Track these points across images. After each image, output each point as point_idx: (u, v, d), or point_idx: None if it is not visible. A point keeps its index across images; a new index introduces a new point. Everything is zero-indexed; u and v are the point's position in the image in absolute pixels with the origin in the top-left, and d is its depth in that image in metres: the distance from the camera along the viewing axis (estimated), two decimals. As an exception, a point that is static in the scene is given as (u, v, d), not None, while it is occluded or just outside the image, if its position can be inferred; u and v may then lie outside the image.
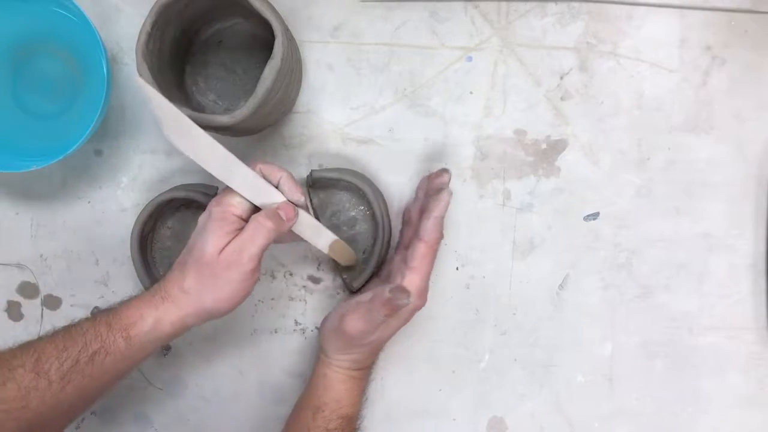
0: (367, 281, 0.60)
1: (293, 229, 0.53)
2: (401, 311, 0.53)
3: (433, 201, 0.54)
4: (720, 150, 0.62)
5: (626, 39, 0.62)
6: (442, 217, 0.54)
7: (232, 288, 0.50)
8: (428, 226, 0.53)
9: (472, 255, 0.63)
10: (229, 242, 0.50)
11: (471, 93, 0.63)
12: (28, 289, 0.64)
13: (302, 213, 0.53)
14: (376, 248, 0.60)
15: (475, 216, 0.63)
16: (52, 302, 0.64)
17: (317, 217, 0.61)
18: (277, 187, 0.52)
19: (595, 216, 0.63)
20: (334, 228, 0.62)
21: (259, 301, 0.64)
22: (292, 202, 0.52)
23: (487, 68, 0.63)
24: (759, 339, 0.63)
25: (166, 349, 0.63)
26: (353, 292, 0.61)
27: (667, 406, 0.63)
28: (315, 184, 0.61)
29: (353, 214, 0.62)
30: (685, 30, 0.62)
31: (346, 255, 0.58)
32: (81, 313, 0.63)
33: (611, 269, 0.63)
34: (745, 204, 0.63)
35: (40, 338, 0.50)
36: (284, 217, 0.52)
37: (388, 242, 0.61)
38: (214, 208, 0.51)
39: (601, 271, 0.63)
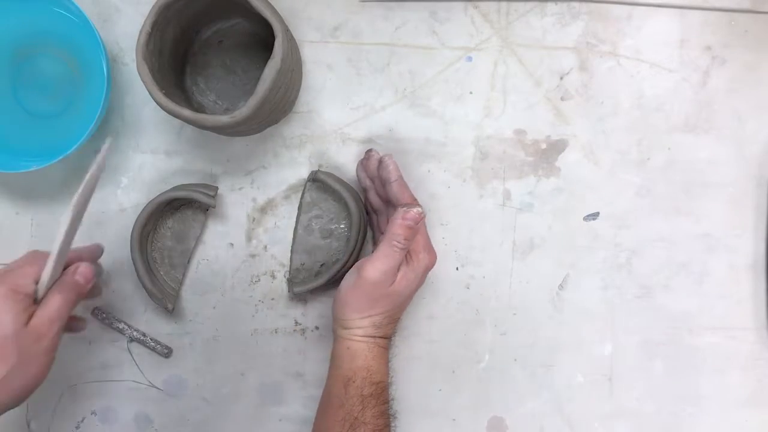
0: (311, 293, 0.61)
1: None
2: (415, 264, 0.55)
3: (383, 172, 0.57)
4: (720, 150, 0.62)
5: (626, 39, 0.62)
6: (401, 178, 0.57)
7: (43, 361, 0.48)
8: (395, 191, 0.56)
9: (472, 255, 0.63)
10: (33, 314, 0.48)
11: (471, 93, 0.63)
12: (28, 289, 0.64)
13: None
14: (333, 267, 0.59)
15: (475, 216, 0.63)
16: (52, 302, 0.64)
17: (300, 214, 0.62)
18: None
19: (595, 216, 0.63)
20: (308, 229, 0.62)
21: (259, 301, 0.64)
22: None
23: (487, 68, 0.63)
24: (759, 339, 0.62)
25: (168, 350, 0.63)
26: (291, 293, 0.61)
27: (667, 406, 0.63)
28: (315, 182, 0.61)
29: (332, 227, 0.62)
30: (685, 30, 0.62)
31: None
32: (81, 313, 0.63)
33: (611, 269, 0.63)
34: (745, 204, 0.63)
35: None
36: (83, 281, 0.51)
37: (349, 268, 0.60)
38: None
39: (601, 271, 0.63)
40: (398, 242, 0.53)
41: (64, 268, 0.51)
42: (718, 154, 0.62)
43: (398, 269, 0.55)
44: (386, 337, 0.58)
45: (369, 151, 0.60)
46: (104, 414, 0.64)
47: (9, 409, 0.48)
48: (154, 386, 0.64)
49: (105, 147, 0.49)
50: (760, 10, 0.62)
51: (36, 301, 0.49)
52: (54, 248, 0.48)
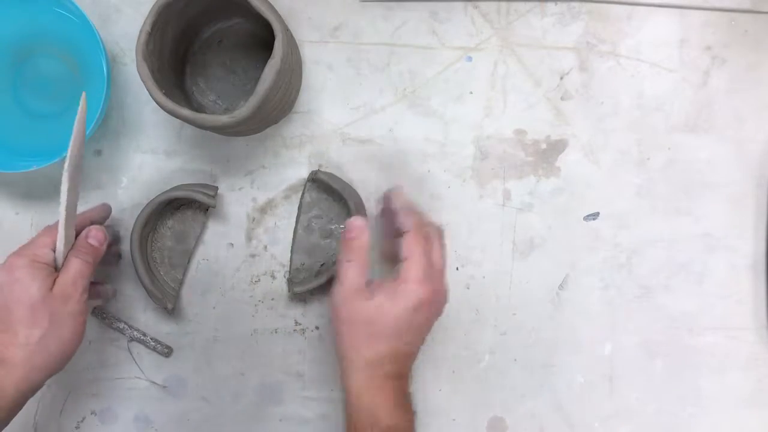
0: (311, 293, 0.61)
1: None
2: (397, 295, 0.50)
3: (392, 198, 0.54)
4: (720, 150, 0.62)
5: (626, 39, 0.62)
6: (408, 205, 0.53)
7: (73, 323, 0.52)
8: (401, 218, 0.53)
9: (472, 255, 0.63)
10: (55, 280, 0.51)
11: (471, 93, 0.63)
12: (28, 289, 0.64)
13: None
14: (333, 267, 0.59)
15: (475, 216, 0.63)
16: (52, 302, 0.64)
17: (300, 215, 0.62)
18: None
19: (595, 216, 0.63)
20: (308, 229, 0.62)
21: (259, 301, 0.64)
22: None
23: (487, 68, 0.63)
24: (759, 339, 0.62)
25: (168, 349, 0.63)
26: (291, 293, 0.61)
27: (667, 406, 0.63)
28: (315, 182, 0.61)
29: (332, 227, 0.62)
30: (685, 30, 0.62)
31: None
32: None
33: (611, 269, 0.63)
34: (745, 204, 0.63)
35: None
36: (96, 243, 0.55)
37: None
38: (17, 260, 0.51)
39: (601, 271, 0.63)
40: (341, 256, 0.51)
41: (77, 235, 0.54)
42: (718, 154, 0.62)
43: (358, 290, 0.51)
44: (399, 376, 0.52)
45: (387, 194, 0.55)
46: (104, 414, 0.64)
47: (53, 374, 0.52)
48: (155, 383, 0.63)
49: (83, 98, 0.52)
50: (760, 10, 0.62)
51: (57, 269, 0.53)
52: (60, 212, 0.52)
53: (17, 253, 0.52)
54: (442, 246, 0.54)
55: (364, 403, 0.51)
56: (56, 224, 0.53)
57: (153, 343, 0.63)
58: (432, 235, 0.53)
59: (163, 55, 0.56)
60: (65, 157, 0.51)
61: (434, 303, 0.52)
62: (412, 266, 0.51)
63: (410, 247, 0.51)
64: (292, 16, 0.62)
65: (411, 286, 0.51)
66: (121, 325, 0.63)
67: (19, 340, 0.49)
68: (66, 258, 0.53)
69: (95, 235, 0.55)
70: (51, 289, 0.51)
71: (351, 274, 0.51)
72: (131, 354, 0.63)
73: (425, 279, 0.51)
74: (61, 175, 0.51)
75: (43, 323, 0.50)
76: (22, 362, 0.50)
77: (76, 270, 0.52)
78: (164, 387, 0.63)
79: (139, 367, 0.63)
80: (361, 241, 0.52)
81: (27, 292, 0.50)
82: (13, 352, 0.49)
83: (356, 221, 0.52)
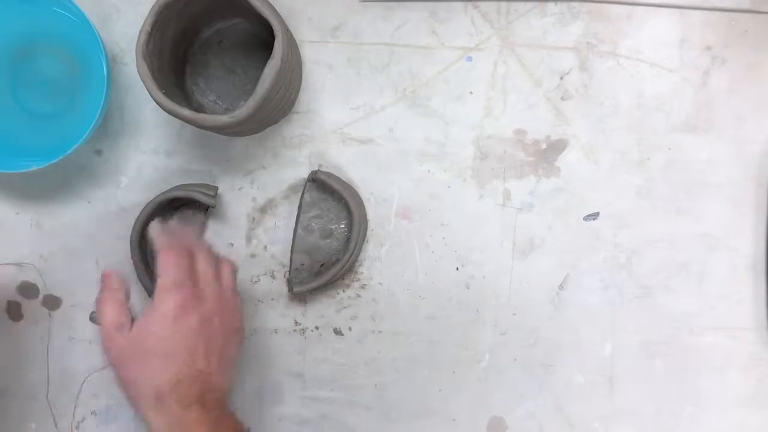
0: (311, 293, 0.61)
1: None
2: (153, 304, 0.51)
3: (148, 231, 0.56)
4: (720, 150, 0.62)
5: (626, 39, 0.62)
6: (153, 228, 0.55)
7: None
8: (154, 244, 0.54)
9: (472, 255, 0.63)
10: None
11: (471, 93, 0.63)
12: (28, 289, 0.64)
13: None
14: (334, 268, 0.60)
15: (475, 216, 0.63)
16: (52, 302, 0.64)
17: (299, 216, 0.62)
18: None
19: (595, 216, 0.63)
20: (308, 229, 0.62)
21: (259, 301, 0.64)
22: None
23: (487, 68, 0.63)
24: (759, 339, 0.62)
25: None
26: (291, 293, 0.61)
27: (667, 406, 0.63)
28: (315, 182, 0.61)
29: (332, 227, 0.62)
30: (685, 30, 0.62)
31: None
32: (81, 313, 0.63)
33: (611, 269, 0.63)
34: (745, 204, 0.63)
35: None
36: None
37: (349, 268, 0.61)
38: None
39: (601, 271, 0.63)
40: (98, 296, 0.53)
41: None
42: (718, 154, 0.62)
43: (119, 325, 0.51)
44: (194, 408, 0.48)
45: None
46: (104, 414, 0.64)
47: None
48: None
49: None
50: (760, 10, 0.62)
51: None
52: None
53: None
54: (210, 259, 0.54)
55: None
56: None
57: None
58: (193, 248, 0.54)
59: (163, 55, 0.56)
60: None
61: (205, 309, 0.51)
62: (161, 278, 0.50)
63: (159, 263, 0.51)
64: (292, 16, 0.62)
65: (160, 298, 0.49)
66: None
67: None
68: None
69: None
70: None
71: (108, 312, 0.51)
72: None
73: (177, 287, 0.50)
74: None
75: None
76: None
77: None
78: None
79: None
80: (112, 280, 0.52)
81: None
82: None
83: (108, 271, 0.54)
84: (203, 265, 0.53)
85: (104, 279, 0.53)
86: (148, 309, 0.50)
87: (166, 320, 0.49)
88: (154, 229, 0.55)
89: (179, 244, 0.53)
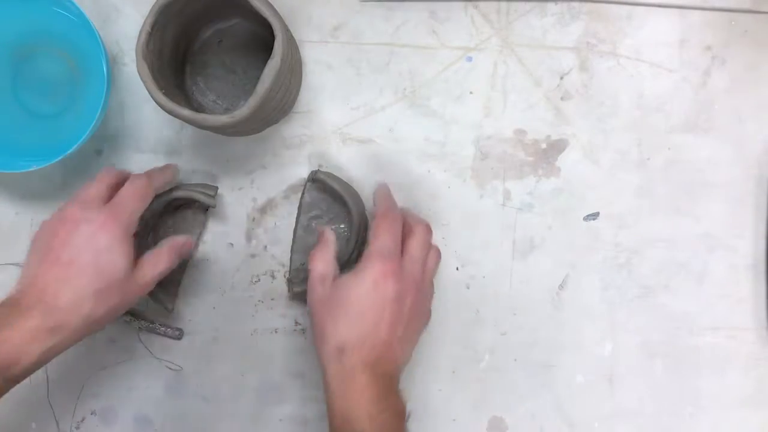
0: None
1: None
2: (359, 270, 0.52)
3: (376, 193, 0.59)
4: (720, 150, 0.62)
5: (626, 39, 0.62)
6: (387, 197, 0.57)
7: (129, 306, 0.54)
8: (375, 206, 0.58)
9: (472, 255, 0.63)
10: (137, 262, 0.53)
11: (471, 93, 0.63)
12: (28, 289, 0.64)
13: None
14: None
15: (475, 216, 0.63)
16: (52, 302, 0.64)
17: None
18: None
19: (595, 216, 0.63)
20: (308, 229, 0.62)
21: (259, 301, 0.64)
22: None
23: (487, 68, 0.63)
24: (759, 339, 0.62)
25: (179, 331, 0.63)
26: (291, 293, 0.61)
27: (667, 406, 0.63)
28: (315, 182, 0.61)
29: (332, 227, 0.62)
30: (685, 30, 0.62)
31: None
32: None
33: (611, 269, 0.63)
34: (745, 204, 0.63)
35: None
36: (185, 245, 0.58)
37: (349, 268, 0.60)
38: (115, 227, 0.51)
39: (601, 271, 0.63)
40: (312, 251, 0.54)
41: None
42: (718, 154, 0.62)
43: (323, 276, 0.53)
44: (368, 370, 0.49)
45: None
46: (104, 414, 0.64)
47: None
48: (173, 363, 0.63)
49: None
50: (760, 10, 0.62)
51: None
52: None
53: (114, 216, 0.50)
54: (426, 242, 0.56)
55: (337, 405, 0.49)
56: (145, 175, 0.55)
57: (163, 329, 0.62)
58: (414, 226, 0.55)
59: (163, 55, 0.56)
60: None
61: (403, 286, 0.51)
62: (373, 242, 0.52)
63: (375, 227, 0.53)
64: (292, 16, 0.62)
65: (368, 262, 0.51)
66: (127, 318, 0.62)
67: (83, 311, 0.48)
68: (159, 251, 0.54)
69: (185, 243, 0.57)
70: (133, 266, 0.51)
71: (317, 264, 0.53)
72: (142, 342, 0.63)
73: (386, 256, 0.51)
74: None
75: (112, 302, 0.50)
76: (76, 334, 0.49)
77: (164, 269, 0.54)
78: (164, 387, 0.63)
79: (149, 349, 0.63)
80: (325, 236, 0.55)
81: (114, 267, 0.50)
82: (74, 323, 0.48)
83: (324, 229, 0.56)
84: (417, 245, 0.54)
85: (318, 238, 0.56)
86: (354, 269, 0.52)
87: (365, 283, 0.50)
88: (383, 190, 0.58)
89: (398, 215, 0.55)
